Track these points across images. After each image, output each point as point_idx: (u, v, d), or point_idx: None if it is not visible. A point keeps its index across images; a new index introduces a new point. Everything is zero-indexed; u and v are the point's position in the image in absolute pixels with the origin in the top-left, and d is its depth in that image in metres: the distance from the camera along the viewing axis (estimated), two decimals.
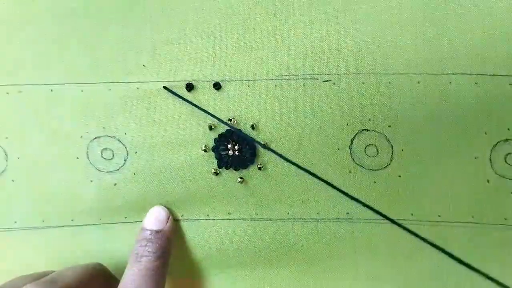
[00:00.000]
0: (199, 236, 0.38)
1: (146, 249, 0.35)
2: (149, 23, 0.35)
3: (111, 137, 0.37)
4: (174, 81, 0.36)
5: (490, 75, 0.34)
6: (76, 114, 0.37)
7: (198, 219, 0.38)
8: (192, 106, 0.36)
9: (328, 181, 0.36)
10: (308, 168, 0.36)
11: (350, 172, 0.36)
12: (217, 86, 0.36)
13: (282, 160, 0.36)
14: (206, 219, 0.38)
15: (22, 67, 0.36)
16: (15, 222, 0.38)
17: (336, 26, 0.34)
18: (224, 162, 0.36)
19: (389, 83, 0.34)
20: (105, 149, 0.37)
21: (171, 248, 0.36)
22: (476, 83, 0.34)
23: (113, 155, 0.37)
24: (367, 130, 0.35)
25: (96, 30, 0.36)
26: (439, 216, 0.36)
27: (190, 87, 0.36)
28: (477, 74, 0.34)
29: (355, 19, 0.34)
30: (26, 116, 0.37)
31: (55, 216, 0.38)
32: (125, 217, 0.38)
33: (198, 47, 0.35)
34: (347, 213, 0.37)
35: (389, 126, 0.35)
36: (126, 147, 0.37)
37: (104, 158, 0.37)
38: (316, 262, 0.38)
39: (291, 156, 0.36)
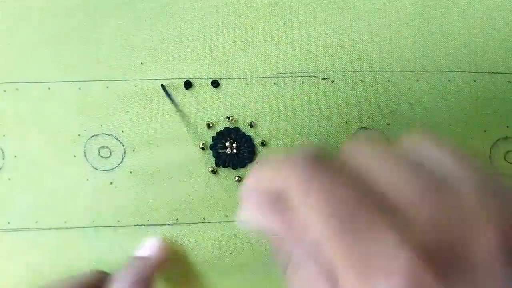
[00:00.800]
0: (195, 239, 0.37)
1: (125, 273, 0.34)
2: (148, 21, 0.36)
3: (108, 135, 0.36)
4: (172, 78, 0.36)
5: (489, 72, 0.34)
6: (73, 112, 0.36)
7: (193, 223, 0.37)
8: (191, 104, 0.36)
9: None
10: None
11: None
12: (215, 83, 0.36)
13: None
14: (202, 222, 0.37)
15: (20, 64, 0.36)
16: (8, 222, 0.38)
17: (335, 24, 0.35)
18: (222, 160, 0.36)
19: (388, 80, 0.34)
20: (103, 147, 0.36)
21: (152, 275, 0.35)
22: (475, 81, 0.34)
23: (110, 153, 0.37)
24: (366, 128, 0.35)
25: (94, 27, 0.36)
26: None
27: (188, 84, 0.36)
28: (476, 72, 0.34)
29: (354, 17, 0.34)
30: (24, 114, 0.37)
31: (49, 218, 0.37)
32: (118, 220, 0.37)
33: (196, 44, 0.35)
34: None
35: (388, 124, 0.35)
36: (123, 145, 0.36)
37: (101, 156, 0.37)
38: None
39: (290, 154, 0.36)
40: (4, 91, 0.36)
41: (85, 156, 0.37)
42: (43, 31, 0.36)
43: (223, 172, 0.36)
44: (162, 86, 0.36)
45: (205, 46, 0.35)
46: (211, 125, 0.36)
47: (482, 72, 0.34)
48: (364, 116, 0.35)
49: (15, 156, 0.37)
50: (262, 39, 0.35)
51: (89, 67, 0.36)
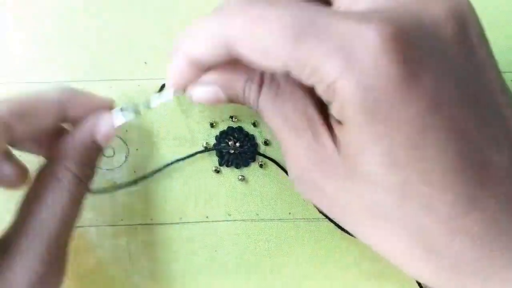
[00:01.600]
0: (199, 238, 0.37)
1: None
2: (151, 21, 0.36)
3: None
4: None
5: None
6: None
7: (197, 222, 0.37)
8: (194, 103, 0.36)
9: None
10: None
11: None
12: None
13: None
14: (206, 221, 0.37)
15: (23, 65, 0.36)
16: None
17: None
18: (225, 159, 0.36)
19: None
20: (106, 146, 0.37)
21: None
22: None
23: (114, 153, 0.37)
24: None
25: (97, 27, 0.36)
26: None
27: None
28: None
29: None
30: None
31: None
32: (121, 219, 0.37)
33: None
34: None
35: None
36: (127, 145, 0.36)
37: (105, 156, 0.37)
38: (319, 263, 0.37)
39: None
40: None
41: None
42: (46, 31, 0.36)
43: (226, 171, 0.37)
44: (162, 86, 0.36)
45: None
46: (214, 124, 0.36)
47: None
48: None
49: (19, 156, 0.37)
50: None
51: (92, 67, 0.36)
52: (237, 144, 0.36)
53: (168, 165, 0.36)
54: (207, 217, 0.37)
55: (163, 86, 0.36)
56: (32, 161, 0.32)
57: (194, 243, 0.37)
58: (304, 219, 0.37)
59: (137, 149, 0.36)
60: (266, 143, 0.36)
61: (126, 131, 0.36)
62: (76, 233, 0.37)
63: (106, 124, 0.31)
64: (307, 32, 0.21)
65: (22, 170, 0.31)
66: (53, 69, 0.36)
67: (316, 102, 0.24)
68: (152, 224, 0.37)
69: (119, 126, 0.31)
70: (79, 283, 0.38)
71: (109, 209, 0.37)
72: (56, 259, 0.30)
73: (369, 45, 0.20)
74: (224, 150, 0.36)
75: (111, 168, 0.37)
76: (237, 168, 0.36)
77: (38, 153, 0.32)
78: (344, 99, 0.21)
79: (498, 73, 0.24)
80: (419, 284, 0.36)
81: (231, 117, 0.36)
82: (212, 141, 0.36)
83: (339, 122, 0.23)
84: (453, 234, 0.21)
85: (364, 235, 0.25)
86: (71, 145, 0.30)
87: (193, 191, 0.37)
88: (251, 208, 0.37)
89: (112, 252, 0.37)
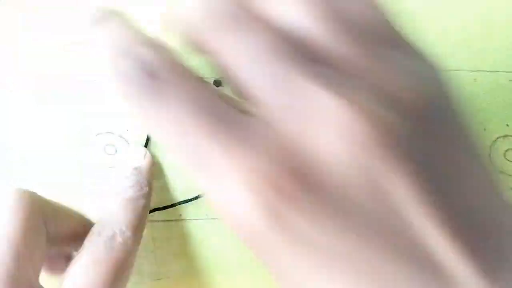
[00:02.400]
0: (199, 236, 0.38)
1: (124, 184, 0.34)
2: (152, 20, 0.36)
3: (113, 133, 0.37)
4: None
5: (489, 71, 0.34)
6: (78, 110, 0.37)
7: (197, 219, 0.38)
8: None
9: None
10: None
11: None
12: (218, 83, 0.36)
13: None
14: (206, 218, 0.38)
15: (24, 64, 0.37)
16: None
17: None
18: None
19: None
20: (108, 144, 0.37)
21: (151, 184, 0.35)
22: (475, 80, 0.34)
23: (115, 151, 0.37)
24: None
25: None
26: None
27: None
28: (476, 71, 0.34)
29: None
30: (29, 112, 0.37)
31: None
32: None
33: None
34: None
35: None
36: (128, 143, 0.37)
37: (108, 154, 0.37)
38: None
39: None
40: (10, 91, 0.37)
41: (91, 153, 0.37)
42: (47, 31, 0.36)
43: None
44: None
45: None
46: None
47: (482, 71, 0.34)
48: None
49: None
50: None
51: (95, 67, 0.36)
52: None
53: None
54: (206, 214, 0.37)
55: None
56: None
57: (194, 240, 0.38)
58: None
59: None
60: None
61: (127, 130, 0.37)
62: None
63: None
64: None
65: None
66: (54, 70, 0.37)
67: None
68: (152, 221, 0.38)
69: None
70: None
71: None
72: None
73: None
74: None
75: (113, 166, 0.37)
76: None
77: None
78: None
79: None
80: None
81: None
82: None
83: None
84: None
85: None
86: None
87: (193, 189, 0.37)
88: None
89: None
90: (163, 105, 0.19)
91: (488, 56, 0.34)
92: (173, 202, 0.37)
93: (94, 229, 0.31)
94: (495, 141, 0.35)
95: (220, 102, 0.20)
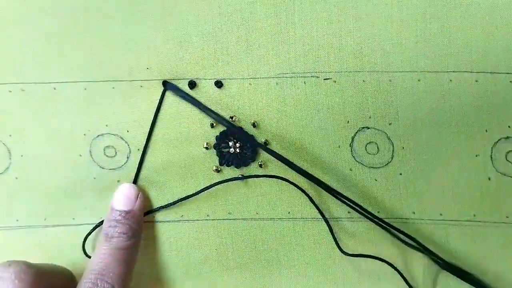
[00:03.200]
0: (199, 237, 0.38)
1: (116, 230, 0.34)
2: (152, 22, 0.36)
3: (113, 134, 0.37)
4: (176, 79, 0.36)
5: (490, 72, 0.34)
6: (79, 112, 0.37)
7: (198, 220, 0.38)
8: (194, 104, 0.36)
9: (329, 178, 0.36)
10: (309, 166, 0.36)
11: (351, 170, 0.36)
12: (218, 84, 0.36)
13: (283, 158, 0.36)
14: (206, 219, 0.38)
15: (25, 65, 0.37)
16: (17, 220, 0.38)
17: (337, 24, 0.35)
18: (226, 159, 0.36)
19: (390, 81, 0.35)
20: (108, 146, 0.37)
21: (142, 227, 0.36)
22: (476, 81, 0.34)
23: (116, 153, 0.37)
24: (368, 128, 0.35)
25: (99, 28, 0.36)
26: (440, 214, 0.36)
27: (192, 85, 0.36)
28: (478, 72, 0.34)
29: (356, 17, 0.34)
30: (29, 114, 0.37)
31: (57, 215, 0.38)
32: None
33: (199, 45, 0.36)
34: (349, 212, 0.37)
35: (390, 124, 0.35)
36: (128, 145, 0.37)
37: (107, 156, 0.37)
38: (317, 262, 0.37)
39: (292, 154, 0.36)
40: (10, 91, 0.37)
41: (91, 155, 0.37)
42: (48, 32, 0.36)
43: (227, 171, 0.37)
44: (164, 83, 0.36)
45: (208, 47, 0.36)
46: (214, 125, 0.36)
47: (484, 72, 0.34)
48: (366, 116, 0.35)
49: (22, 156, 0.37)
50: (264, 39, 0.35)
51: (94, 68, 0.36)
52: (237, 145, 0.36)
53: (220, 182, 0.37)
54: (208, 215, 0.37)
55: (164, 83, 0.36)
56: None
57: (195, 241, 0.38)
58: (303, 218, 0.37)
59: (138, 149, 0.37)
60: (265, 143, 0.36)
61: (128, 131, 0.37)
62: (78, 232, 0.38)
63: None
64: None
65: None
66: (55, 70, 0.36)
67: None
68: (154, 221, 0.38)
69: None
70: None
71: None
72: None
73: None
74: (224, 150, 0.36)
75: (113, 168, 0.37)
76: (237, 168, 0.36)
77: None
78: None
79: None
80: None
81: (231, 117, 0.36)
82: (213, 142, 0.36)
83: None
84: None
85: None
86: None
87: (193, 190, 0.37)
88: (251, 207, 0.37)
89: None
90: None
91: (489, 58, 0.34)
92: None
93: (84, 284, 0.32)
94: (497, 142, 0.34)
95: None
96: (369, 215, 0.35)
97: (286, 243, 0.37)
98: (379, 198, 0.36)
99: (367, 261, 0.37)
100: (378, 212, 0.36)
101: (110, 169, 0.37)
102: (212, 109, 0.36)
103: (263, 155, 0.36)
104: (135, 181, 0.37)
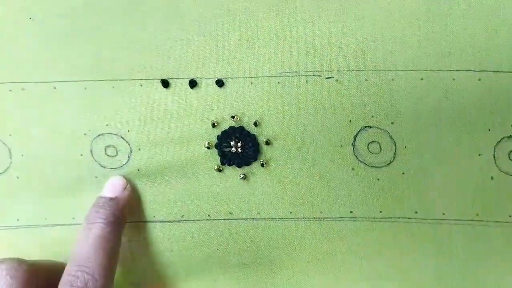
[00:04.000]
0: (200, 237, 0.38)
1: (97, 215, 0.34)
2: (152, 20, 0.36)
3: (114, 134, 0.37)
4: (177, 78, 0.36)
5: (493, 71, 0.34)
6: (79, 112, 0.37)
7: (199, 220, 0.38)
8: (195, 103, 0.36)
9: (331, 178, 0.36)
10: (311, 165, 0.36)
11: (353, 169, 0.36)
12: (219, 83, 0.36)
13: (285, 157, 0.36)
14: (207, 219, 0.37)
15: (25, 64, 0.36)
16: (18, 219, 0.38)
17: (339, 23, 0.34)
18: (227, 159, 0.36)
19: (392, 79, 0.34)
20: (109, 146, 0.37)
21: (125, 216, 0.36)
22: (479, 80, 0.34)
23: (116, 152, 0.37)
24: (370, 127, 0.35)
25: (99, 27, 0.36)
26: (443, 213, 0.35)
27: (193, 84, 0.36)
28: (481, 71, 0.34)
29: (358, 15, 0.34)
30: (29, 113, 0.37)
31: (58, 214, 0.38)
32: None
33: (201, 44, 0.35)
34: (351, 212, 0.36)
35: (392, 123, 0.35)
36: (129, 144, 0.37)
37: (108, 155, 0.37)
38: (319, 262, 0.37)
39: (293, 153, 0.36)
40: (10, 90, 0.37)
41: (92, 155, 0.37)
42: (48, 31, 0.36)
43: (228, 170, 0.37)
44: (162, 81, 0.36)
45: (209, 46, 0.35)
46: (216, 124, 0.36)
47: (486, 71, 0.34)
48: (368, 115, 0.35)
49: (22, 155, 0.37)
50: (266, 38, 0.35)
51: (94, 67, 0.36)
52: (239, 144, 0.36)
53: None
54: (209, 215, 0.37)
55: (163, 82, 0.36)
56: None
57: (196, 241, 0.38)
58: (305, 218, 0.37)
59: (139, 149, 0.37)
60: (267, 142, 0.36)
61: (128, 131, 0.37)
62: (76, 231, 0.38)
63: None
64: None
65: None
66: (55, 69, 0.36)
67: None
68: (155, 221, 0.38)
69: None
70: None
71: None
72: None
73: None
74: (225, 150, 0.36)
75: (115, 167, 0.37)
76: (239, 167, 0.36)
77: None
78: None
79: None
80: None
81: (233, 117, 0.36)
82: (214, 141, 0.36)
83: None
84: None
85: None
86: None
87: (195, 189, 0.37)
88: (253, 207, 0.37)
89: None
90: None
91: (492, 57, 0.33)
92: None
93: (65, 278, 0.31)
94: (500, 141, 0.34)
95: None
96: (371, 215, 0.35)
97: (288, 243, 0.37)
98: (381, 198, 0.36)
99: (369, 260, 0.37)
100: (381, 211, 0.36)
101: (111, 168, 0.37)
102: (213, 108, 0.36)
103: (265, 155, 0.36)
104: None
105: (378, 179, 0.36)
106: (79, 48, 0.36)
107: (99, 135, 0.37)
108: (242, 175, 0.36)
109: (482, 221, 0.35)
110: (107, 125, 0.37)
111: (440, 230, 0.36)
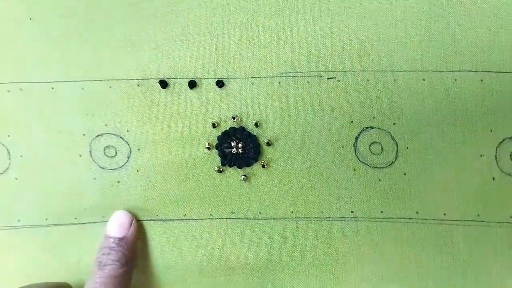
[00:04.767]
0: (202, 236, 0.38)
1: (109, 257, 0.35)
2: (152, 20, 0.35)
3: (113, 134, 0.36)
4: (176, 78, 0.36)
5: (495, 72, 0.33)
6: (77, 112, 0.36)
7: (201, 219, 0.37)
8: (195, 104, 0.36)
9: (333, 178, 0.36)
10: (312, 166, 0.36)
11: (354, 170, 0.36)
12: (220, 83, 0.35)
13: (286, 158, 0.36)
14: (209, 218, 0.37)
15: (23, 64, 0.36)
16: (19, 220, 0.38)
17: (341, 23, 0.34)
18: (228, 159, 0.36)
19: (394, 80, 0.34)
20: (108, 146, 0.37)
21: (135, 254, 0.36)
22: (481, 80, 0.34)
23: (116, 153, 0.37)
24: (372, 128, 0.35)
25: (97, 27, 0.36)
26: (444, 214, 0.35)
27: (192, 84, 0.35)
28: (482, 71, 0.33)
29: (360, 16, 0.34)
30: (28, 114, 0.37)
31: (59, 214, 0.38)
32: None
33: (200, 44, 0.35)
34: (352, 212, 0.36)
35: (394, 124, 0.35)
36: (129, 144, 0.36)
37: (107, 156, 0.37)
38: (320, 262, 0.37)
39: (295, 154, 0.36)
40: (8, 91, 0.36)
41: (91, 155, 0.37)
42: (46, 32, 0.36)
43: (229, 171, 0.37)
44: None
45: (209, 46, 0.35)
46: (216, 124, 0.36)
47: (489, 72, 0.33)
48: (370, 115, 0.35)
49: (21, 156, 0.37)
50: (267, 38, 0.35)
51: (92, 67, 0.36)
52: (240, 145, 0.36)
53: None
54: (211, 214, 0.37)
55: (161, 82, 0.35)
56: None
57: (197, 240, 0.38)
58: (306, 218, 0.37)
59: (139, 149, 0.36)
60: (268, 143, 0.36)
61: (128, 131, 0.36)
62: (80, 231, 0.38)
63: None
64: None
65: None
66: (53, 70, 0.36)
67: None
68: (156, 220, 0.38)
69: None
70: (81, 281, 0.38)
71: (116, 205, 0.37)
72: None
73: None
74: (226, 151, 0.36)
75: (114, 168, 0.37)
76: (239, 168, 0.36)
77: None
78: None
79: None
80: None
81: (233, 117, 0.35)
82: (215, 142, 0.36)
83: None
84: None
85: None
86: None
87: (196, 190, 0.37)
88: (254, 207, 0.37)
89: None
90: None
91: (494, 57, 0.33)
92: None
93: None
94: (501, 142, 0.34)
95: None
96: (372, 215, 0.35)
97: (289, 243, 0.37)
98: (382, 198, 0.36)
99: (370, 260, 0.37)
100: (382, 212, 0.36)
101: (110, 169, 0.37)
102: (214, 108, 0.36)
103: (266, 155, 0.36)
104: None
105: (379, 180, 0.36)
106: (77, 48, 0.36)
107: (98, 135, 0.37)
108: (243, 177, 0.36)
109: (484, 221, 0.35)
110: (106, 125, 0.36)
111: (441, 230, 0.36)
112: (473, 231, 0.35)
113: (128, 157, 0.37)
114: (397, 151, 0.35)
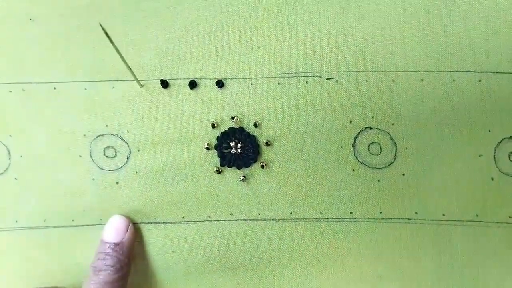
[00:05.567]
0: (201, 237, 0.37)
1: (104, 263, 0.35)
2: (153, 21, 0.35)
3: (114, 135, 0.37)
4: (177, 78, 0.36)
5: (493, 72, 0.34)
6: (79, 112, 0.37)
7: (199, 221, 0.37)
8: (195, 104, 0.36)
9: (332, 179, 0.36)
10: (311, 166, 0.36)
11: (353, 170, 0.36)
12: (220, 84, 0.36)
13: (285, 159, 0.36)
14: (208, 220, 0.37)
15: (25, 65, 0.36)
16: (16, 221, 0.38)
17: (339, 24, 0.34)
18: (227, 160, 0.36)
19: (393, 80, 0.34)
20: (108, 147, 0.37)
21: (131, 259, 0.36)
22: (479, 81, 0.34)
23: (115, 153, 0.37)
24: (371, 128, 0.35)
25: (99, 28, 0.36)
26: (443, 214, 0.35)
27: (193, 84, 0.36)
28: (481, 72, 0.34)
29: (359, 16, 0.34)
30: (29, 114, 0.37)
31: (57, 216, 0.38)
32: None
33: (201, 45, 0.35)
34: (351, 213, 0.36)
35: (393, 124, 0.35)
36: (128, 145, 0.37)
37: (107, 156, 0.37)
38: (319, 263, 0.37)
39: (294, 154, 0.36)
40: (10, 91, 0.37)
41: (91, 156, 0.37)
42: (48, 32, 0.36)
43: (228, 172, 0.37)
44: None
45: (210, 46, 0.35)
46: (215, 125, 0.36)
47: (487, 72, 0.34)
48: (369, 116, 0.35)
49: (21, 156, 0.37)
50: (266, 39, 0.35)
51: (95, 68, 0.36)
52: (239, 145, 0.36)
53: None
54: (209, 216, 0.37)
55: (163, 82, 0.36)
56: None
57: (196, 241, 0.38)
58: (305, 219, 0.37)
59: (138, 150, 0.37)
60: (267, 144, 0.36)
61: (128, 132, 0.36)
62: (77, 233, 0.38)
63: None
64: None
65: None
66: (55, 70, 0.36)
67: None
68: (155, 222, 0.37)
69: None
70: (78, 283, 0.38)
71: (114, 207, 0.37)
72: None
73: None
74: (225, 151, 0.36)
75: (113, 169, 0.37)
76: (238, 169, 0.36)
77: None
78: None
79: None
80: None
81: (233, 117, 0.36)
82: (214, 142, 0.36)
83: None
84: None
85: None
86: None
87: (195, 191, 0.37)
88: (253, 208, 0.37)
89: None
90: None
91: (492, 58, 0.33)
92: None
93: None
94: (500, 142, 0.34)
95: None
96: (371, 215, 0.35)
97: (288, 244, 0.37)
98: (381, 198, 0.36)
99: (369, 261, 0.37)
100: (381, 212, 0.36)
101: (109, 170, 0.37)
102: (213, 109, 0.36)
103: (265, 156, 0.36)
104: None
105: (378, 180, 0.36)
106: (79, 49, 0.36)
107: (98, 136, 0.37)
108: (242, 177, 0.36)
109: (482, 221, 0.35)
110: (106, 125, 0.37)
111: (440, 231, 0.36)
112: (471, 231, 0.35)
113: (127, 158, 0.37)
114: (396, 151, 0.35)
